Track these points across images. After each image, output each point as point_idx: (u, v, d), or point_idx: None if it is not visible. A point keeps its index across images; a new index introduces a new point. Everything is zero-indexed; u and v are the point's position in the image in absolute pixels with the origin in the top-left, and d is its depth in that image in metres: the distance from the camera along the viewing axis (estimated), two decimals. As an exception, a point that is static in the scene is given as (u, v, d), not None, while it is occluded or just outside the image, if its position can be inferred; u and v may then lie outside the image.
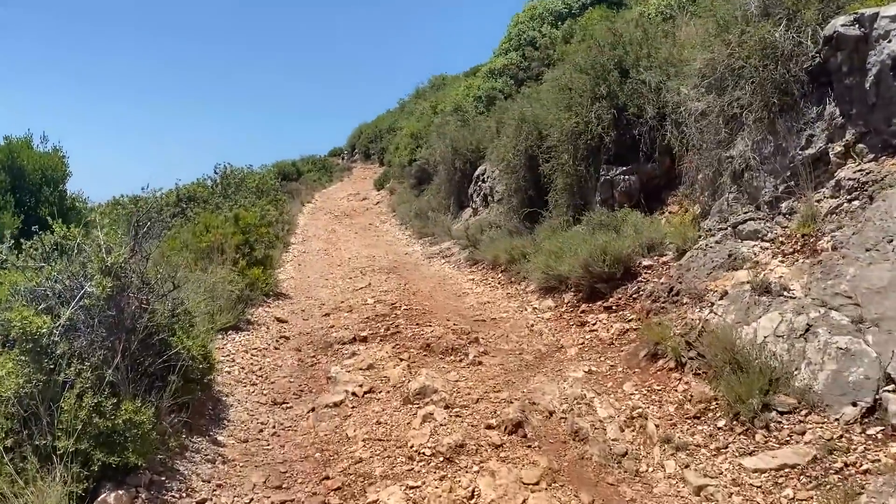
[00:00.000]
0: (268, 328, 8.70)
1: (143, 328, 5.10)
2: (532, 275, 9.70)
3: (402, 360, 7.07)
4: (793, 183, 7.06)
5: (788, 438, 4.74)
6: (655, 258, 8.07)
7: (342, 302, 10.16)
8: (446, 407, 5.83)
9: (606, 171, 9.51)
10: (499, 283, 10.69)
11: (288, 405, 6.40)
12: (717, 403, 5.36)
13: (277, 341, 8.19)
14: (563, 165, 9.86)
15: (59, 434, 4.20)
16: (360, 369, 6.98)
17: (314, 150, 65.42)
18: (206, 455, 5.19)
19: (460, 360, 7.02)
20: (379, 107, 77.57)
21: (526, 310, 8.81)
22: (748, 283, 6.28)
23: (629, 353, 6.61)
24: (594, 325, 7.57)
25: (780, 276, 6.19)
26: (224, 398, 6.34)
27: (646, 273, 7.92)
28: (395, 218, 20.58)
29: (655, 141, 9.15)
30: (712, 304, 6.45)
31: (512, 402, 5.80)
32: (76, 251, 5.34)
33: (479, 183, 16.28)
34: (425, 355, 7.26)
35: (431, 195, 18.81)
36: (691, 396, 5.56)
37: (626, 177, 9.35)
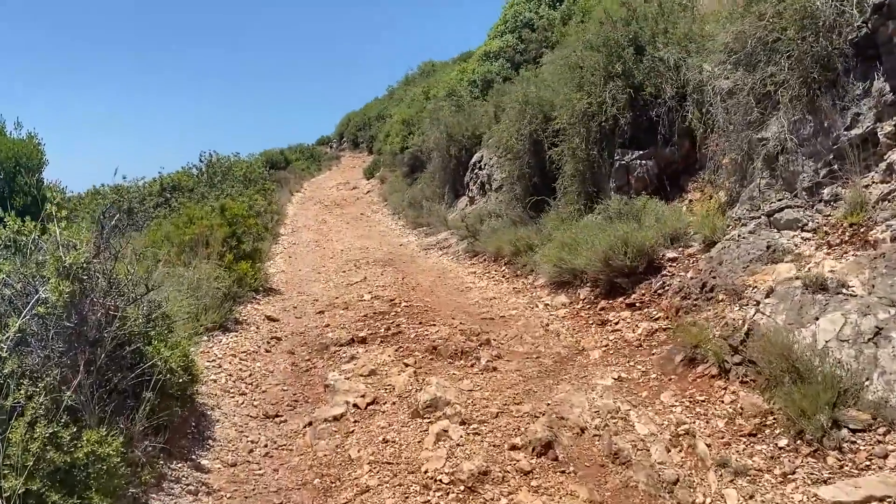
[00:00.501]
0: (258, 328, 7.92)
1: (112, 339, 4.30)
2: (541, 268, 8.97)
3: (407, 365, 6.31)
4: (836, 166, 6.34)
5: (868, 463, 4.03)
6: (680, 250, 7.34)
7: (337, 298, 9.39)
8: (462, 423, 5.07)
9: (621, 155, 8.76)
10: (503, 276, 9.94)
11: (281, 418, 5.63)
12: (774, 418, 4.64)
13: (268, 343, 7.41)
14: (573, 150, 9.10)
15: (7, 472, 3.42)
16: (361, 376, 6.22)
17: (301, 139, 64.32)
18: (187, 485, 4.42)
19: (472, 366, 6.27)
20: (367, 95, 76.61)
21: (537, 306, 8.07)
22: (797, 278, 5.56)
23: (662, 358, 5.88)
24: (617, 324, 6.84)
25: (833, 271, 5.47)
26: (209, 412, 5.56)
27: (671, 266, 7.19)
28: (388, 207, 19.79)
29: (674, 123, 8.41)
30: (757, 302, 5.71)
31: (537, 417, 5.06)
32: (33, 248, 4.55)
33: (476, 170, 15.52)
34: (432, 359, 6.51)
35: (425, 183, 18.02)
36: (742, 409, 4.84)
37: (643, 162, 8.61)
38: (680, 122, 8.37)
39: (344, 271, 11.39)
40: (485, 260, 11.15)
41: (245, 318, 8.24)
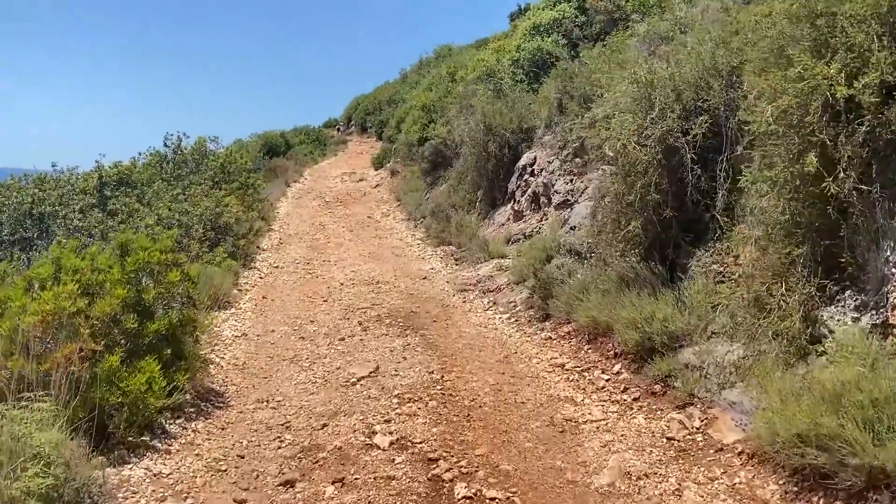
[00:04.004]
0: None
1: None
2: (743, 407, 4.18)
3: None
4: None
5: None
6: None
7: (324, 426, 4.59)
8: None
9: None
10: (625, 390, 5.09)
11: None
12: None
13: None
14: (803, 178, 4.18)
15: None
16: None
17: (309, 120, 58.92)
18: None
19: None
20: (378, 78, 70.95)
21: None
22: None
23: None
24: None
25: None
26: None
27: None
28: (401, 210, 14.87)
29: None
30: None
31: None
32: None
33: (526, 176, 10.63)
34: None
35: (451, 186, 13.11)
36: None
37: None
38: None
39: (342, 338, 6.54)
40: (569, 334, 6.33)
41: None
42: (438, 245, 11.43)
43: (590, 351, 5.91)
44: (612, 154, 6.40)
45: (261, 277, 9.11)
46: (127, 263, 4.69)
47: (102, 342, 4.10)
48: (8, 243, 8.54)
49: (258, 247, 10.66)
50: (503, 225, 11.06)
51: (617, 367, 5.42)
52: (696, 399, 4.60)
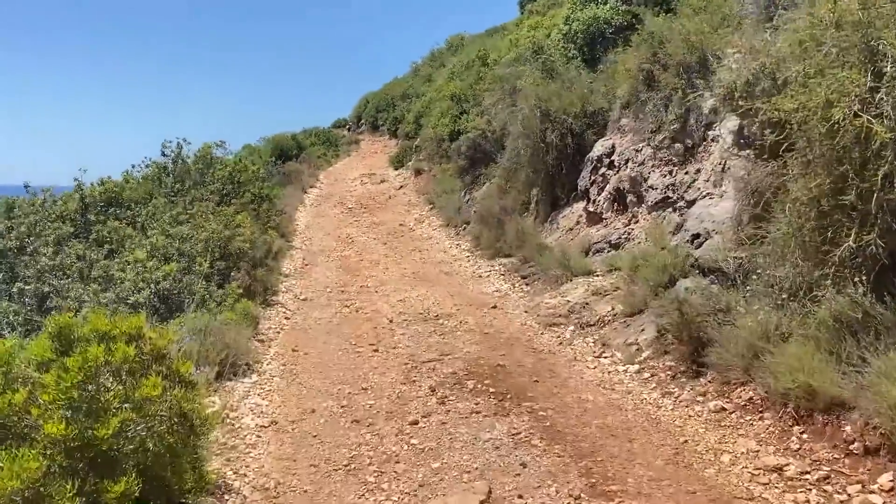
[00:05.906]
0: None
1: None
2: None
3: None
4: None
5: None
6: None
7: None
8: None
9: None
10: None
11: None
12: None
13: None
14: None
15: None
16: None
17: (315, 122, 56.37)
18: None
19: None
20: (385, 76, 67.91)
21: None
22: None
23: None
24: None
25: None
26: None
27: None
28: (437, 215, 12.66)
29: None
30: None
31: None
32: None
33: (603, 169, 8.43)
34: None
35: (498, 185, 10.89)
36: None
37: None
38: None
39: (413, 421, 4.39)
40: (753, 403, 4.14)
41: None
42: (493, 257, 9.26)
43: (806, 437, 3.71)
44: (802, 133, 4.18)
45: (286, 317, 6.93)
46: (68, 371, 2.52)
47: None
48: (-38, 291, 6.41)
49: (280, 273, 8.48)
50: (572, 230, 8.87)
51: (885, 480, 3.21)
52: None
